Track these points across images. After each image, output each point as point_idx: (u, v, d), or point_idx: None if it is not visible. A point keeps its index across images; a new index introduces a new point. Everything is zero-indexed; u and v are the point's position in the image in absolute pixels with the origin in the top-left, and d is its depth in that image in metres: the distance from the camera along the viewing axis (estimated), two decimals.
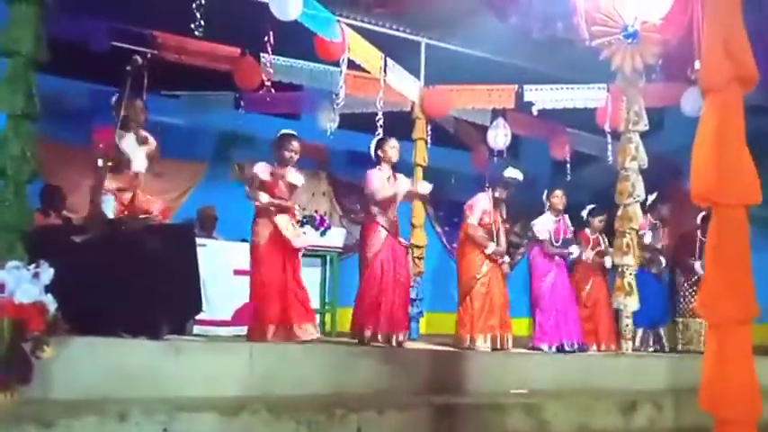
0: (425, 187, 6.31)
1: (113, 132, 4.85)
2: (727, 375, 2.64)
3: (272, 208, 5.43)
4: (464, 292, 6.30)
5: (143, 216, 4.91)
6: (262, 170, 5.49)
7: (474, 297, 6.21)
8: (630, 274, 6.55)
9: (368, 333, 5.57)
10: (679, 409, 4.99)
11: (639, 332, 7.36)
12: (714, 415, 2.69)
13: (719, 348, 2.68)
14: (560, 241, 6.81)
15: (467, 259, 6.36)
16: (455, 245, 10.76)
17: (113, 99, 4.98)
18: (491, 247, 6.29)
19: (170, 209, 5.96)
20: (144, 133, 5.15)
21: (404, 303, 5.87)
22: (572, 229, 7.01)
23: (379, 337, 5.55)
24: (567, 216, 7.01)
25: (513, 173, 6.68)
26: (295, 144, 5.57)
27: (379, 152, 5.93)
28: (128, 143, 5.00)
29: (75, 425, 3.34)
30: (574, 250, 6.87)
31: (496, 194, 6.52)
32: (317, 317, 7.57)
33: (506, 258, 6.53)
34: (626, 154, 6.60)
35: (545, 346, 6.49)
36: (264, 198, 5.42)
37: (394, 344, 5.57)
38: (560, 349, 6.46)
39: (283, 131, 5.70)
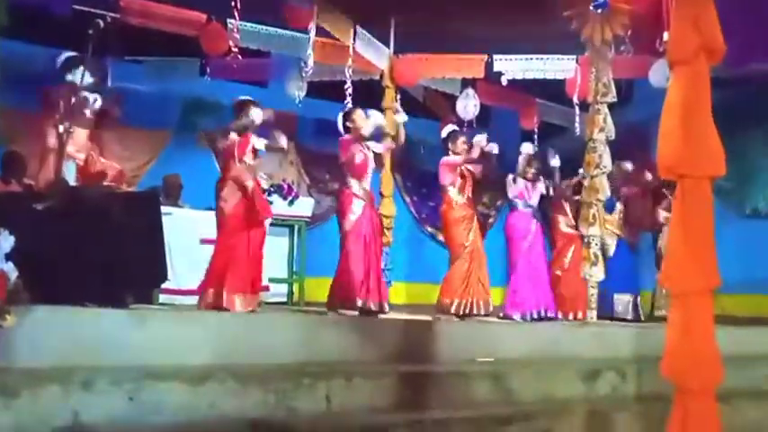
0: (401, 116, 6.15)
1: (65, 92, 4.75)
2: (689, 344, 2.69)
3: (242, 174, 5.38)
4: (453, 260, 6.36)
5: (106, 183, 4.83)
6: (231, 141, 5.44)
7: (460, 264, 6.26)
8: (596, 244, 6.62)
9: (342, 304, 5.60)
10: (642, 377, 5.08)
11: (630, 298, 7.55)
12: (675, 383, 2.74)
13: (682, 318, 2.72)
14: (532, 200, 6.94)
15: (452, 231, 6.38)
16: (424, 215, 10.88)
17: (60, 60, 4.86)
18: None
19: (124, 174, 5.86)
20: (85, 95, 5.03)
21: (380, 272, 5.93)
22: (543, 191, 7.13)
23: (371, 306, 5.58)
24: (542, 181, 7.16)
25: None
26: (255, 110, 5.51)
27: (348, 123, 5.89)
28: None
29: (41, 394, 3.30)
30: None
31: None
32: (286, 286, 7.61)
33: None
34: (594, 125, 6.64)
35: (518, 314, 6.59)
36: (235, 171, 5.38)
37: (377, 310, 5.65)
38: (533, 317, 6.58)
39: (241, 97, 5.65)
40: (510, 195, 7.03)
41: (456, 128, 6.68)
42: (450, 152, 6.50)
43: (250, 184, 5.40)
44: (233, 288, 5.25)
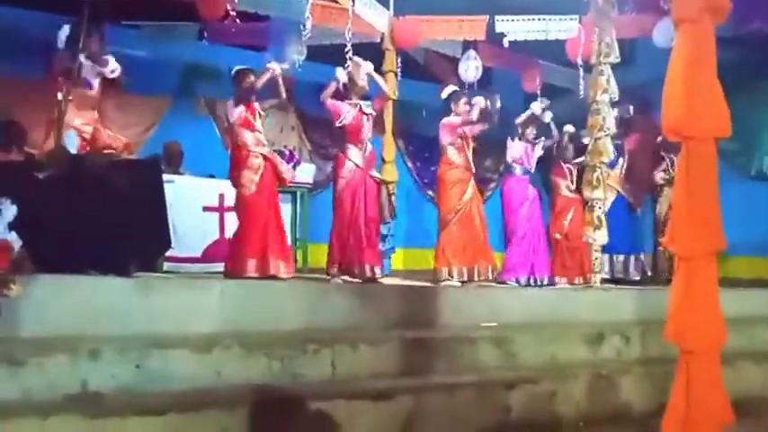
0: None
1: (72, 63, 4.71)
2: (693, 307, 2.69)
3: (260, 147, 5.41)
4: (443, 225, 6.31)
5: (107, 151, 4.80)
6: (239, 111, 5.46)
7: (451, 229, 6.22)
8: (600, 207, 6.61)
9: (336, 269, 5.59)
10: (646, 340, 5.10)
11: (621, 258, 7.55)
12: (679, 345, 2.75)
13: (686, 281, 2.71)
14: (531, 167, 6.91)
15: (446, 192, 6.34)
16: (427, 180, 10.83)
17: (65, 32, 4.79)
18: None
19: (132, 145, 5.85)
20: (105, 58, 4.99)
21: (375, 238, 5.86)
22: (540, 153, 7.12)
23: (355, 270, 5.57)
24: (542, 142, 7.15)
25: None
26: (251, 76, 5.54)
27: (348, 83, 5.87)
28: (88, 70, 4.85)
29: (47, 363, 3.34)
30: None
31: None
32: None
33: None
34: (597, 87, 6.58)
35: (513, 280, 6.59)
36: (251, 139, 5.38)
37: (367, 276, 5.60)
38: (530, 282, 6.58)
39: (237, 68, 5.67)
40: (509, 158, 6.97)
41: (457, 88, 6.61)
42: (451, 113, 6.44)
43: (266, 150, 5.48)
44: (278, 255, 5.36)
